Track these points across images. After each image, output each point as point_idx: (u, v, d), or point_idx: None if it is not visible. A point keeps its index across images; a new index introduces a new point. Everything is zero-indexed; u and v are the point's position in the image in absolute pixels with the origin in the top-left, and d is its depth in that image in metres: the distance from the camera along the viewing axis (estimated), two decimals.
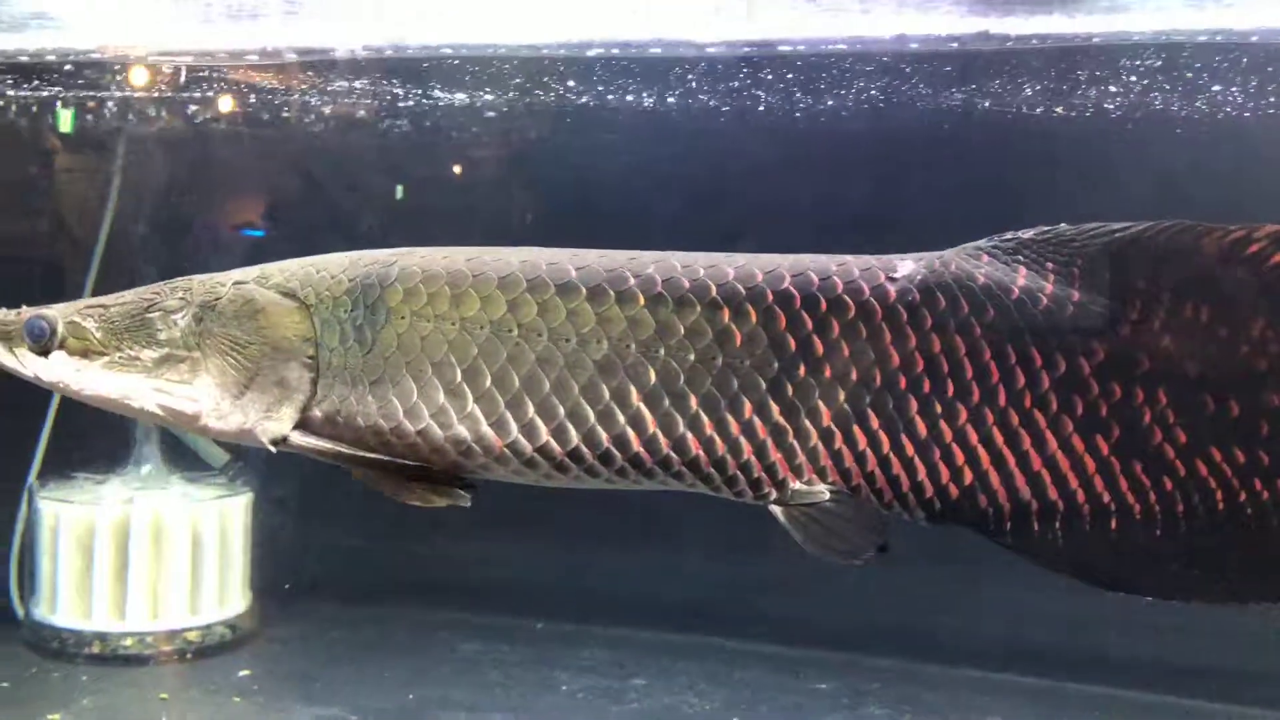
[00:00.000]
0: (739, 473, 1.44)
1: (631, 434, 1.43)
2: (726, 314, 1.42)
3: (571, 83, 2.24)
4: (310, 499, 3.49)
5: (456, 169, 3.45)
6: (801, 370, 1.42)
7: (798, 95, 2.46)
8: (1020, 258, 1.43)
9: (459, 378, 1.45)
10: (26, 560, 3.33)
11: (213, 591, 3.30)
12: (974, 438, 1.41)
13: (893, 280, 1.43)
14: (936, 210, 3.08)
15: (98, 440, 3.51)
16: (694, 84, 2.33)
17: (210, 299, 1.52)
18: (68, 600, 3.19)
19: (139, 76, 2.33)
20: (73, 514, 3.21)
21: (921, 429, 1.41)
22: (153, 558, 3.21)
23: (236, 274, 1.57)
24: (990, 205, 3.08)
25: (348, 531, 3.60)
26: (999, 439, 1.40)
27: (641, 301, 1.43)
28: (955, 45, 1.81)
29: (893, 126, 2.74)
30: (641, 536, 3.02)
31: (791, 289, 1.43)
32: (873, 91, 2.46)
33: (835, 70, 2.30)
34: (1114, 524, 1.40)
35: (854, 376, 1.42)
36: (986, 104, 2.52)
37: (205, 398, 1.51)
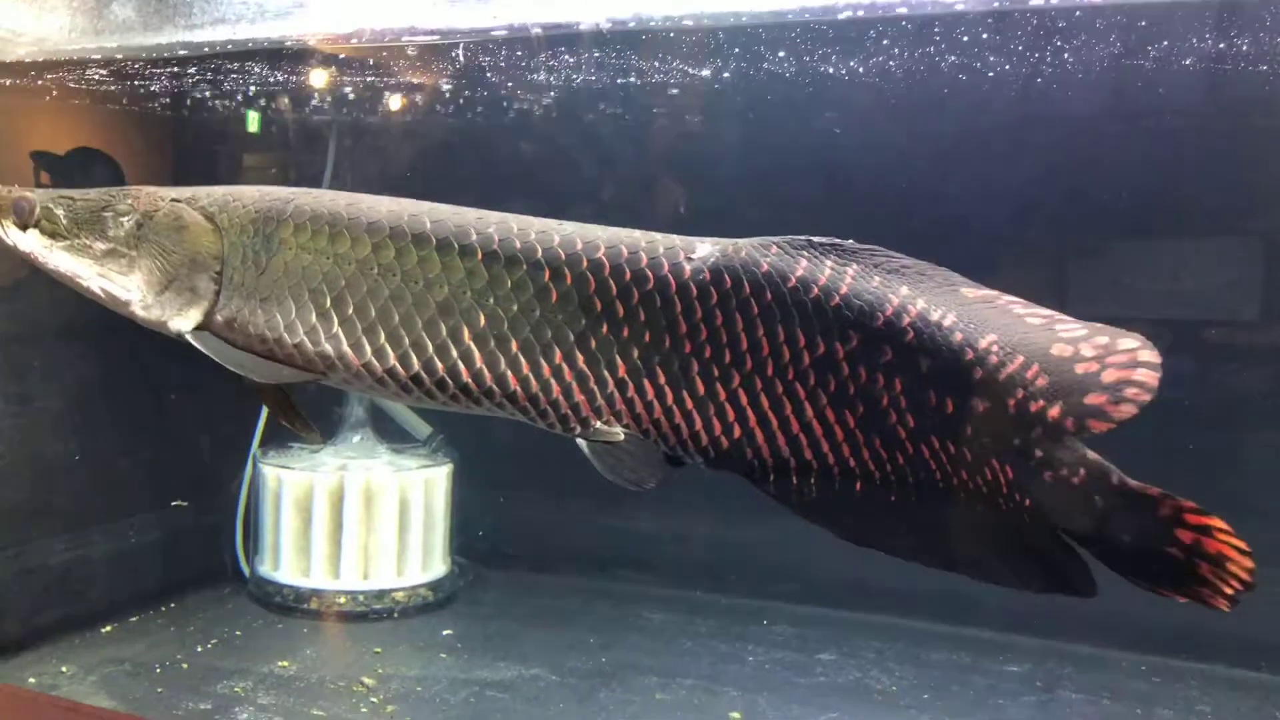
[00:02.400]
0: (549, 408, 1.68)
1: (462, 366, 1.68)
2: (547, 274, 1.65)
3: (781, 53, 2.26)
4: (506, 471, 3.64)
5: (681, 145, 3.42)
6: (604, 328, 1.64)
7: (998, 56, 2.38)
8: (804, 254, 1.63)
9: (328, 304, 1.70)
10: (251, 522, 3.60)
11: (417, 555, 3.49)
12: (744, 399, 1.62)
13: (689, 260, 1.64)
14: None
15: (312, 414, 3.74)
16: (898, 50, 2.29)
17: (151, 210, 1.81)
18: (288, 559, 3.43)
19: (396, 58, 2.46)
20: (293, 479, 3.44)
21: (700, 388, 1.63)
22: (363, 522, 3.41)
23: (175, 191, 1.85)
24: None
25: (539, 504, 3.72)
26: (765, 403, 1.62)
27: (479, 256, 1.67)
28: None
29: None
30: None
31: (603, 258, 1.65)
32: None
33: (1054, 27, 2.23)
34: (858, 486, 1.61)
35: (647, 338, 1.63)
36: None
37: (135, 290, 1.80)
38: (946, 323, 1.55)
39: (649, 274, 1.63)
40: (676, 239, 1.67)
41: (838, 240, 1.62)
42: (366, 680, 2.88)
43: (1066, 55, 2.36)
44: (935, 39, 2.22)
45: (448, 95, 2.97)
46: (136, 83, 2.78)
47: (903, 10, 1.91)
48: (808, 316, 1.59)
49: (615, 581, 3.68)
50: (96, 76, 2.75)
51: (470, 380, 1.68)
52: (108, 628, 3.17)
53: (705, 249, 1.65)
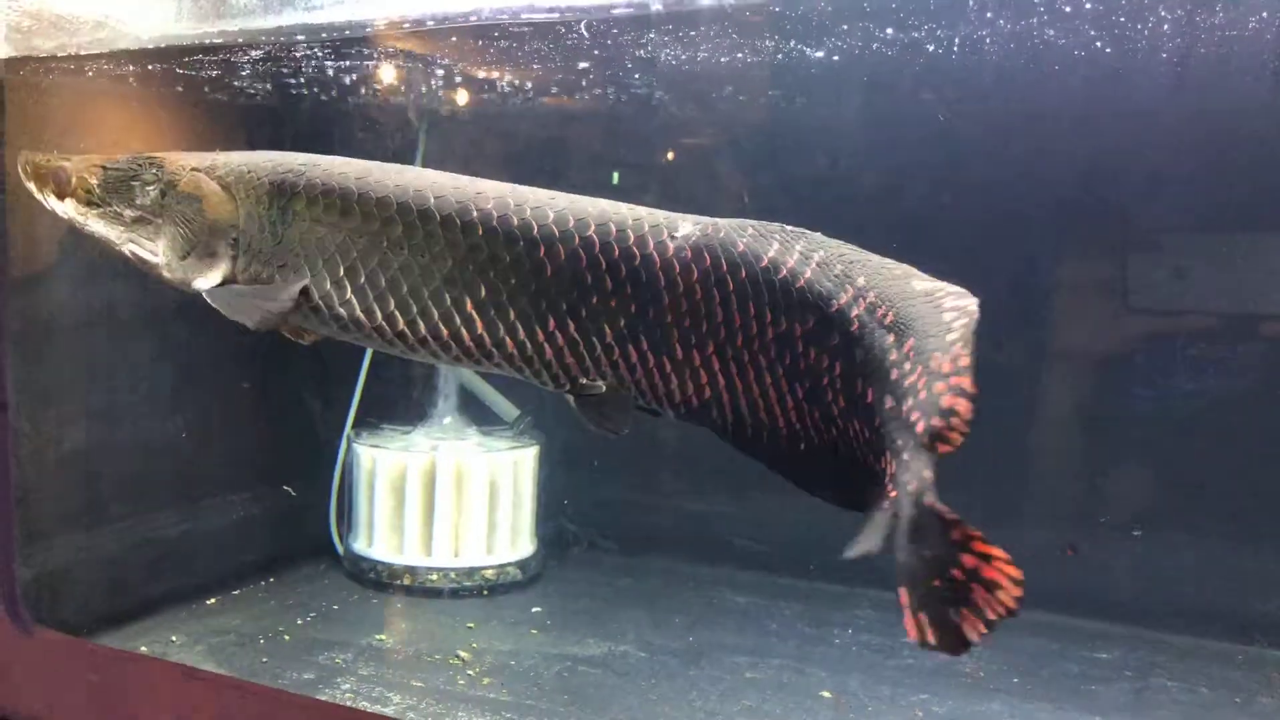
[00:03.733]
0: (543, 369, 1.83)
1: (465, 332, 1.81)
2: (542, 249, 1.78)
3: (890, 30, 2.25)
4: (590, 454, 3.68)
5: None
6: (594, 299, 1.77)
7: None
8: (775, 237, 1.76)
9: (341, 272, 1.82)
10: (345, 501, 3.69)
11: (506, 534, 3.55)
12: (715, 365, 1.77)
13: (673, 238, 1.77)
14: None
15: (404, 396, 3.83)
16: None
17: (174, 180, 1.92)
18: (382, 536, 3.52)
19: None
20: (387, 459, 3.52)
21: (678, 353, 1.78)
22: (455, 501, 3.48)
23: (196, 159, 1.95)
24: None
25: (623, 486, 3.77)
26: (732, 370, 1.77)
27: (480, 232, 1.78)
28: None
29: None
30: None
31: (594, 235, 1.77)
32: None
33: None
34: (802, 446, 1.78)
35: (632, 309, 1.77)
36: None
37: (162, 254, 1.91)
38: (887, 320, 1.65)
39: (634, 251, 1.76)
40: (661, 216, 1.80)
41: (805, 230, 1.77)
42: (462, 654, 2.95)
43: (1166, 27, 2.33)
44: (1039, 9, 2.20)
45: (557, 77, 2.99)
46: (250, 69, 2.85)
47: None
48: (775, 295, 1.73)
49: (698, 564, 3.71)
50: (202, 63, 2.82)
51: (472, 344, 1.81)
52: (212, 600, 3.27)
53: (687, 228, 1.77)
